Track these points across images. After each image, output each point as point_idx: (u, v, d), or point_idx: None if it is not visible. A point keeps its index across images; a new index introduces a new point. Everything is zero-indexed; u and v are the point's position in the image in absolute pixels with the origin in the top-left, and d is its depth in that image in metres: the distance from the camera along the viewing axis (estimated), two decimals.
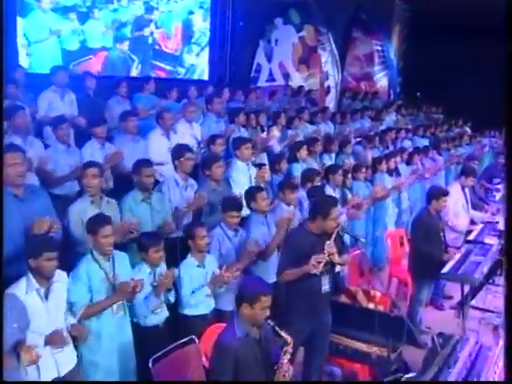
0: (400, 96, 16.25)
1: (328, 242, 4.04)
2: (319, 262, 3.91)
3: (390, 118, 12.18)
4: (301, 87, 11.39)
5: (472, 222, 6.70)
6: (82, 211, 4.19)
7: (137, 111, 6.27)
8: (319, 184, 6.02)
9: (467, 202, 6.61)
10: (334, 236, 4.05)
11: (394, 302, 4.77)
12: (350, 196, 7.01)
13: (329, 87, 12.32)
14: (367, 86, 14.58)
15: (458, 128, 13.47)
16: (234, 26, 11.31)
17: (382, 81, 14.82)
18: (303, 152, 6.97)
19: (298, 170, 6.83)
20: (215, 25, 11.07)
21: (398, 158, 8.56)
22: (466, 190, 6.67)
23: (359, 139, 9.28)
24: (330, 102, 12.37)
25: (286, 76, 11.63)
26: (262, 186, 5.59)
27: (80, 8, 8.66)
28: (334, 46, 12.88)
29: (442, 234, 5.59)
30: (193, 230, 4.22)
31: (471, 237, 6.16)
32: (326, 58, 12.26)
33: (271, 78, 11.61)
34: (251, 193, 4.98)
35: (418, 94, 17.58)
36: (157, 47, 10.11)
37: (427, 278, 5.51)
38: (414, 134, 11.28)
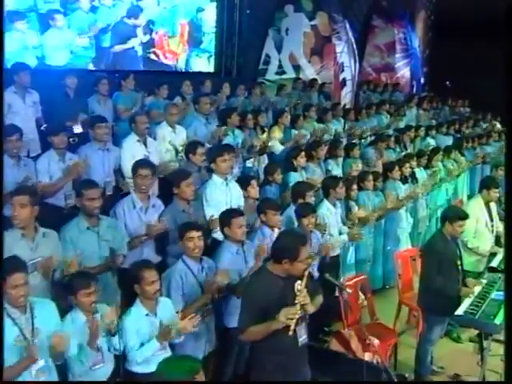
0: (424, 88, 15.15)
1: (299, 288, 3.21)
2: (291, 318, 3.08)
3: (411, 114, 11.18)
4: (313, 80, 10.47)
5: (497, 243, 5.73)
6: (9, 247, 3.42)
7: (105, 117, 5.49)
8: (311, 200, 5.15)
9: (492, 219, 5.66)
10: (305, 279, 3.22)
11: None
12: (356, 209, 6.15)
13: (344, 80, 11.36)
14: (388, 78, 13.54)
15: (486, 123, 12.34)
16: (242, 13, 10.47)
17: (404, 72, 13.74)
18: (301, 159, 6.12)
19: (296, 179, 6.00)
20: (222, 12, 10.24)
21: (414, 162, 7.62)
22: (491, 205, 5.71)
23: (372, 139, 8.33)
24: (346, 95, 11.42)
25: (297, 68, 10.71)
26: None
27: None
28: (351, 35, 11.88)
29: (459, 263, 4.69)
30: (139, 273, 3.42)
31: (495, 263, 5.24)
32: (342, 49, 11.28)
33: (281, 71, 10.71)
34: (225, 217, 4.17)
35: (448, 83, 16.43)
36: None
37: (440, 315, 4.62)
38: (437, 131, 10.27)
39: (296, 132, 7.63)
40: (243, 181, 5.04)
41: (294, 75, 10.61)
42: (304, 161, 6.17)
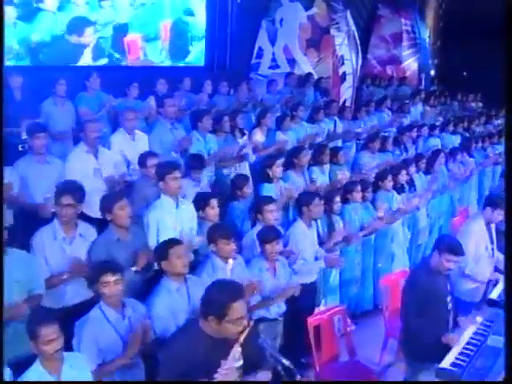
0: (434, 81, 14.28)
1: (235, 356, 2.54)
2: None
3: (416, 110, 10.36)
4: (308, 75, 9.69)
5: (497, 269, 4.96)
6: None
7: (44, 126, 4.83)
8: (272, 218, 4.44)
9: (492, 241, 4.89)
10: (236, 349, 2.54)
11: None
12: (340, 225, 5.43)
13: (344, 74, 10.54)
14: (394, 71, 12.68)
15: (498, 120, 11.45)
16: (233, 3, 9.73)
17: (411, 64, 12.86)
18: (276, 169, 5.39)
19: (270, 192, 5.29)
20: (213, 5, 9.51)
21: (413, 168, 6.85)
22: (493, 226, 4.93)
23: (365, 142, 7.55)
24: (346, 91, 10.61)
25: (292, 62, 9.93)
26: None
27: None
28: (353, 25, 11.04)
29: (448, 300, 3.94)
30: (36, 329, 2.72)
31: (495, 294, 4.48)
32: (342, 40, 10.46)
33: (275, 65, 9.95)
34: (161, 248, 3.50)
35: (465, 73, 15.51)
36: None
37: (425, 362, 3.87)
38: (443, 129, 9.45)
39: (282, 135, 6.94)
40: (200, 200, 4.34)
41: (288, 69, 9.84)
42: (280, 170, 5.45)
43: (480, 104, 13.13)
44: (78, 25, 7.29)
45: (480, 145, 9.32)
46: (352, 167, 7.18)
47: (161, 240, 3.75)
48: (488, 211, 4.83)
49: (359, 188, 5.59)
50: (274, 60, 9.96)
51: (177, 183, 4.08)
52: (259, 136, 6.79)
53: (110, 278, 3.09)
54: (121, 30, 7.97)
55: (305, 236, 4.70)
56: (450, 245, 3.80)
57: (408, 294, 3.88)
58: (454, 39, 14.49)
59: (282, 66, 9.91)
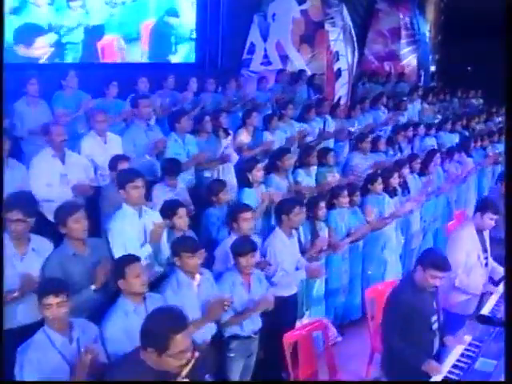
0: (434, 77, 13.91)
1: None
2: None
3: (414, 108, 10.02)
4: (301, 71, 9.37)
5: (492, 279, 4.65)
6: None
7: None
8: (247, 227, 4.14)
9: (485, 250, 4.57)
10: (183, 376, 2.27)
11: None
12: (324, 232, 5.13)
13: (339, 70, 10.19)
14: (392, 67, 12.31)
15: (499, 118, 11.10)
16: None
17: (410, 60, 12.48)
18: (257, 173, 5.09)
19: (250, 198, 5.00)
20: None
21: (407, 170, 6.52)
22: (486, 234, 4.62)
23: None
24: (342, 87, 10.27)
25: (284, 58, 9.58)
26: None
27: None
28: (349, 20, 10.71)
29: (433, 320, 3.63)
30: None
31: (487, 309, 4.17)
32: (337, 36, 10.11)
33: (267, 61, 9.61)
34: (118, 265, 3.21)
35: (469, 68, 15.15)
36: None
37: None
38: (440, 128, 9.12)
39: (269, 136, 6.64)
40: (167, 209, 4.04)
41: (280, 66, 9.50)
42: (261, 174, 5.14)
43: (481, 100, 12.79)
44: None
45: (479, 144, 8.98)
46: (343, 169, 6.89)
47: (125, 253, 3.45)
48: (478, 217, 4.51)
49: (346, 192, 5.27)
50: (266, 56, 9.63)
51: (138, 192, 3.75)
52: (244, 136, 6.49)
53: (53, 300, 2.80)
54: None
55: (284, 246, 4.39)
56: (434, 260, 3.48)
57: (389, 312, 3.58)
58: (455, 34, 14.13)
59: (274, 62, 9.57)
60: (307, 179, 5.89)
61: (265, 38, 9.66)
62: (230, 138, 6.40)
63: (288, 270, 4.39)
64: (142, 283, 3.16)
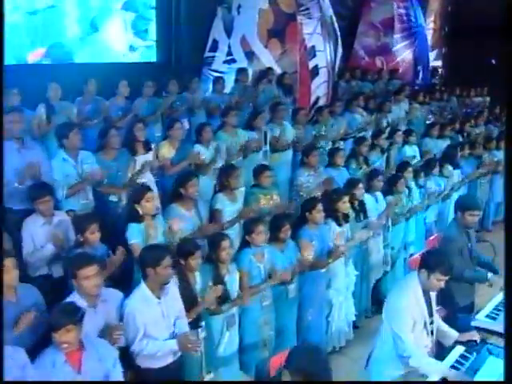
0: (435, 73, 12.60)
1: None
2: None
3: (400, 109, 8.79)
4: (268, 70, 8.25)
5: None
6: None
7: None
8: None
9: (431, 313, 3.39)
10: None
11: None
12: (235, 276, 4.05)
13: (317, 67, 9.02)
14: (384, 62, 11.04)
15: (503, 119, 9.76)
16: None
17: (405, 54, 11.18)
18: (146, 204, 4.02)
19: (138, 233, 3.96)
20: None
21: (361, 191, 5.35)
22: (432, 295, 3.44)
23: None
24: (319, 87, 9.10)
25: (250, 55, 8.47)
26: None
27: None
28: (331, 11, 9.56)
29: None
30: None
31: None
32: (313, 29, 8.95)
33: (231, 59, 8.51)
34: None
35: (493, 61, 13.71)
36: None
37: None
38: (426, 133, 7.91)
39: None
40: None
41: (246, 64, 8.40)
42: (195, 190, 4.22)
43: (487, 98, 11.47)
44: None
45: (472, 151, 7.76)
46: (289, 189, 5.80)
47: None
48: (423, 275, 3.35)
49: (261, 228, 4.15)
50: (229, 53, 8.53)
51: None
52: (166, 149, 5.45)
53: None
54: None
55: (148, 306, 3.33)
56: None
57: None
58: (464, 25, 12.77)
59: (238, 60, 8.47)
60: (230, 207, 4.81)
61: (229, 33, 8.56)
62: (151, 153, 5.39)
63: (155, 337, 3.33)
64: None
